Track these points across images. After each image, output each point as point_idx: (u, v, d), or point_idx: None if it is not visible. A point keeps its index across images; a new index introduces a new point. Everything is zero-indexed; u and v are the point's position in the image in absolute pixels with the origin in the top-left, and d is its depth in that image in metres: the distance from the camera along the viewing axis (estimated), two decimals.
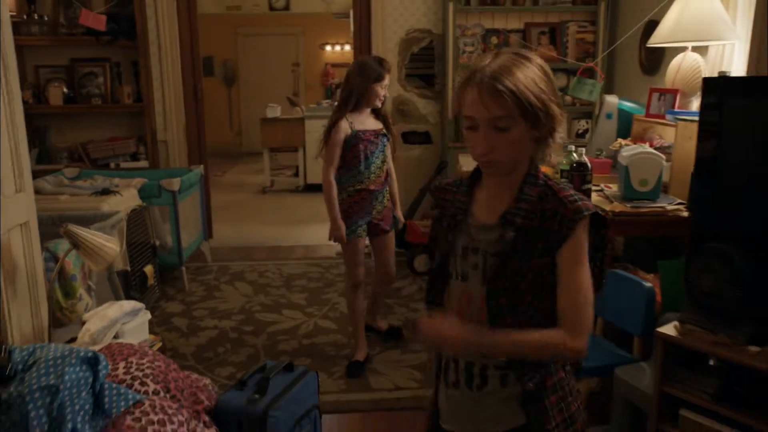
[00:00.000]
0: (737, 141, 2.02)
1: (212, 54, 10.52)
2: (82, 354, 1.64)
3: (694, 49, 3.43)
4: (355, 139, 3.12)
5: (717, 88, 2.04)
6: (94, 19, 4.31)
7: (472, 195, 1.40)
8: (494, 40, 5.00)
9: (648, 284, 2.53)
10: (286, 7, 10.31)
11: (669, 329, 2.09)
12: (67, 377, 1.57)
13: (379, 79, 3.13)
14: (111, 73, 5.07)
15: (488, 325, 1.30)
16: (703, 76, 3.21)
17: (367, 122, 3.19)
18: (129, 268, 3.54)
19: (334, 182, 3.12)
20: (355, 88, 3.11)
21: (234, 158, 10.71)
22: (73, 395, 1.56)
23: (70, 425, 1.51)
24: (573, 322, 1.26)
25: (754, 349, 1.89)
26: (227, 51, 11.00)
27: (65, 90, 4.96)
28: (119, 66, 5.08)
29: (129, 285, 3.51)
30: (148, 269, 3.85)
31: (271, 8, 10.33)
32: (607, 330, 2.79)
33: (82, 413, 1.55)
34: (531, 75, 1.24)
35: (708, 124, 2.08)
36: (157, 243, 4.12)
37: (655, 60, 4.18)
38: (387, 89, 3.24)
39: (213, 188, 5.82)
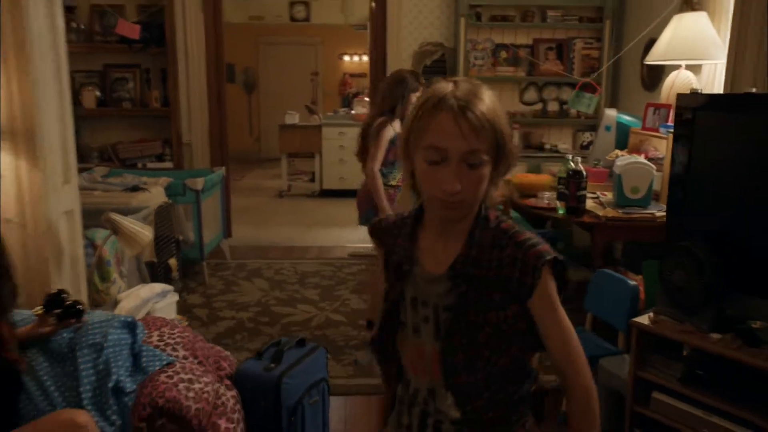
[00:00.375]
0: (706, 151, 2.24)
1: (234, 62, 10.86)
2: (122, 319, 1.91)
3: (689, 67, 3.66)
4: (396, 141, 3.48)
5: (689, 103, 2.27)
6: (130, 29, 4.62)
7: (415, 241, 1.27)
8: (503, 54, 5.25)
9: (632, 282, 2.75)
10: (307, 18, 10.63)
11: (643, 319, 2.32)
12: (110, 337, 1.84)
13: (416, 90, 3.50)
14: (141, 79, 5.39)
15: (442, 382, 1.22)
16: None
17: (399, 127, 3.55)
18: (155, 260, 3.81)
19: (380, 175, 3.43)
20: (398, 97, 3.46)
21: (252, 163, 11.02)
22: (116, 353, 1.82)
23: (114, 377, 1.77)
24: (575, 364, 1.21)
25: (715, 336, 2.11)
26: (248, 59, 11.34)
27: (98, 94, 5.27)
28: (149, 72, 5.39)
29: (155, 275, 3.79)
30: (172, 262, 4.13)
31: (292, 19, 10.65)
32: (595, 325, 3.00)
33: (123, 369, 1.81)
34: (497, 105, 1.16)
35: (681, 136, 2.31)
36: (181, 238, 4.40)
37: (655, 77, 4.41)
38: None
39: (232, 191, 6.10)
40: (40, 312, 1.84)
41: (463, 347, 1.19)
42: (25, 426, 1.59)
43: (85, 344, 1.81)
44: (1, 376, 1.66)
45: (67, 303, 1.84)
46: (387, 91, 3.56)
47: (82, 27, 5.19)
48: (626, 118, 4.11)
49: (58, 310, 1.83)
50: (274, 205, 7.93)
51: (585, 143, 5.28)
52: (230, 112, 6.23)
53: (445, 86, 1.14)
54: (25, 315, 1.89)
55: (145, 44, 5.14)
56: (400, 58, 5.27)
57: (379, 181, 3.43)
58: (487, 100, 1.13)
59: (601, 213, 3.26)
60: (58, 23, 2.46)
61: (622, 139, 4.02)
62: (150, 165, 5.29)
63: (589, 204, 3.40)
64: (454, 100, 1.11)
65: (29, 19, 2.22)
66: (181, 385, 1.83)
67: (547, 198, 3.54)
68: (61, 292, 1.87)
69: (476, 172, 1.13)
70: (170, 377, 1.85)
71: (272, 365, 2.15)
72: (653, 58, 3.69)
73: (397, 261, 1.28)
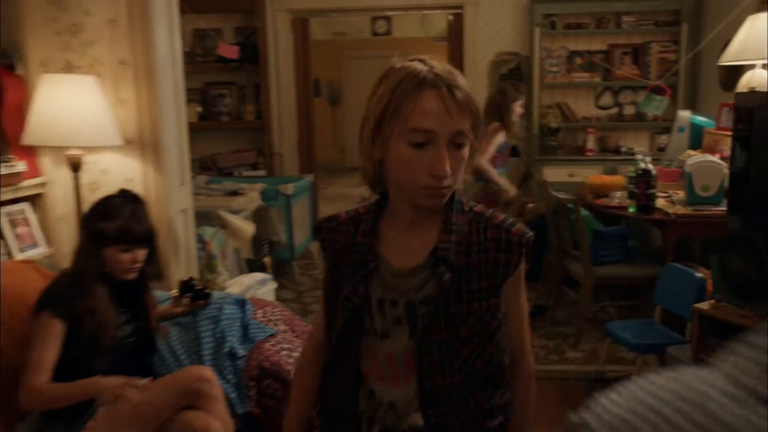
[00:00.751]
0: (765, 147, 2.36)
1: (319, 77, 11.38)
2: (234, 297, 2.25)
3: (765, 66, 3.70)
4: (503, 147, 3.93)
5: (747, 102, 2.39)
6: (229, 50, 5.09)
7: (377, 236, 1.16)
8: (578, 61, 5.39)
9: (699, 275, 2.87)
10: (388, 32, 11.02)
11: (704, 305, 2.45)
12: (225, 312, 2.18)
13: (517, 99, 3.90)
14: (237, 95, 5.88)
15: (416, 387, 1.13)
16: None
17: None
18: (253, 257, 4.21)
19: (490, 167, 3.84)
20: (504, 107, 3.83)
21: (337, 172, 11.50)
22: (230, 325, 2.17)
23: (228, 344, 2.12)
24: (525, 348, 1.23)
25: None
26: (332, 73, 11.85)
27: (199, 109, 5.80)
28: (244, 88, 5.88)
29: (252, 271, 4.18)
30: (267, 260, 4.52)
31: (374, 34, 11.07)
32: (665, 317, 3.13)
33: (236, 338, 2.15)
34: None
35: (740, 134, 2.44)
36: (274, 239, 4.79)
37: (733, 77, 4.43)
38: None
39: (319, 198, 6.49)
40: (175, 294, 2.23)
41: (441, 345, 1.11)
42: (164, 377, 1.95)
43: (205, 317, 2.17)
44: (144, 341, 2.03)
45: (197, 288, 2.21)
46: (491, 103, 3.88)
47: (186, 49, 5.72)
48: (700, 119, 4.18)
49: (190, 294, 2.20)
50: None
51: (662, 146, 5.32)
52: (316, 124, 6.64)
53: (417, 66, 1.07)
54: (163, 296, 2.28)
55: (241, 63, 5.62)
56: (477, 68, 5.51)
57: (491, 168, 3.80)
58: (461, 77, 1.08)
59: (671, 211, 3.37)
60: (176, 48, 2.87)
61: (697, 139, 4.09)
62: (245, 173, 5.76)
63: (661, 203, 3.52)
64: (437, 79, 1.05)
65: (156, 46, 2.64)
66: (282, 353, 2.15)
67: (618, 197, 3.68)
68: (191, 279, 2.25)
69: (460, 153, 1.07)
70: (273, 345, 2.17)
71: None
72: (727, 59, 3.76)
73: (357, 261, 1.16)
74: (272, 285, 3.01)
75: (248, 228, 2.90)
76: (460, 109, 1.05)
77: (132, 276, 1.94)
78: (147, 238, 1.95)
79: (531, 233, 1.16)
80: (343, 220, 1.21)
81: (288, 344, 2.22)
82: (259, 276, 2.98)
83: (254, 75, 5.74)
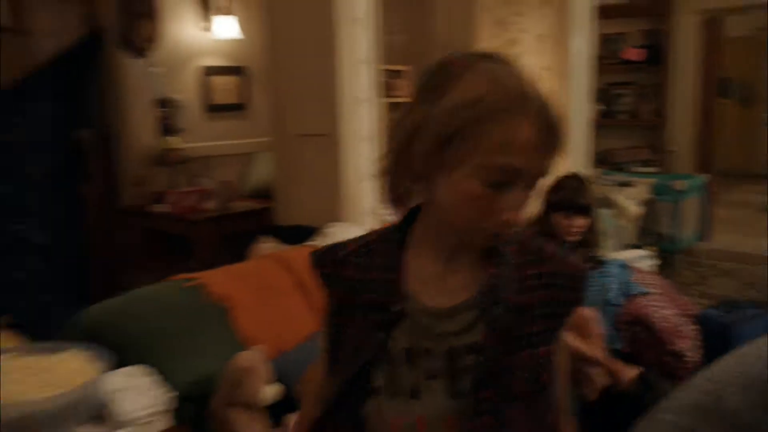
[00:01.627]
0: None
1: (732, 76, 10.68)
2: (619, 261, 2.78)
3: None
4: None
5: None
6: (635, 53, 5.49)
7: (399, 271, 0.94)
8: None
9: None
10: None
11: None
12: (610, 270, 2.70)
13: None
14: (636, 94, 6.21)
15: None
16: None
17: None
18: (638, 244, 4.58)
19: None
20: None
21: (742, 178, 10.69)
22: (612, 280, 2.68)
23: (609, 294, 2.64)
24: (566, 405, 1.02)
25: None
26: (750, 72, 10.98)
27: (602, 107, 6.30)
28: (644, 88, 6.18)
29: None
30: (650, 249, 4.83)
31: None
32: None
33: (614, 290, 2.66)
34: None
35: None
36: (661, 232, 5.05)
37: None
38: None
39: (719, 203, 6.37)
40: None
41: (492, 405, 0.89)
42: None
43: (594, 274, 2.71)
44: None
45: (591, 255, 2.70)
46: None
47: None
48: None
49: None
50: (759, 218, 7.73)
51: None
52: (722, 126, 6.51)
53: (501, 73, 0.85)
54: None
55: (644, 64, 5.95)
56: None
57: None
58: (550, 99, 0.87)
59: None
60: (589, 55, 3.48)
61: None
62: (634, 169, 6.07)
63: None
64: (531, 102, 0.83)
65: (572, 55, 3.29)
66: (650, 308, 2.59)
67: None
68: None
69: (530, 193, 0.88)
70: (645, 300, 2.62)
71: (724, 314, 2.72)
72: None
73: (373, 302, 0.94)
74: (651, 261, 3.40)
75: (633, 207, 3.35)
76: (552, 146, 0.85)
77: (572, 238, 2.50)
78: (583, 209, 2.48)
79: (586, 266, 1.00)
80: (351, 251, 0.98)
81: (657, 303, 2.64)
82: (640, 252, 3.39)
83: (655, 75, 5.99)
